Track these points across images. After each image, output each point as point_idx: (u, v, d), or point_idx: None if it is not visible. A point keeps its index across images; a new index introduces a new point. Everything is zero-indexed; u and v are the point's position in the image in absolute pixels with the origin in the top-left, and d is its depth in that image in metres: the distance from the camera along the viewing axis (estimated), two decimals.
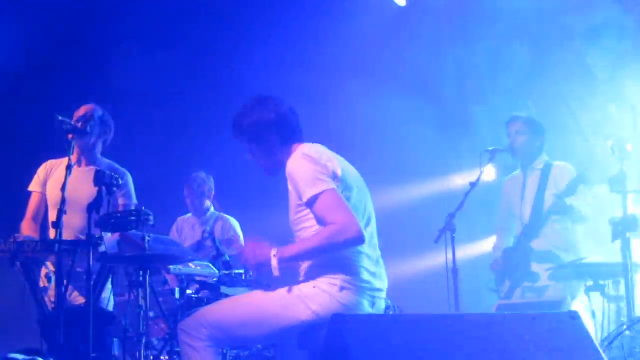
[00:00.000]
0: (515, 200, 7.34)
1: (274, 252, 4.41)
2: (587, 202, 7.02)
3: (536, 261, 7.05)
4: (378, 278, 4.57)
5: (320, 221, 4.41)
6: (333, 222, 4.33)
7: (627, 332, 5.70)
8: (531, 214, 7.13)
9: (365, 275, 4.48)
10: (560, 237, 7.10)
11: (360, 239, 4.35)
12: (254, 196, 8.12)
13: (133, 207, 6.27)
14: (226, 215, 8.55)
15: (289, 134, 4.68)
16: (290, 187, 4.55)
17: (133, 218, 5.02)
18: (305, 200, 4.41)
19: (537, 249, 7.06)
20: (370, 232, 4.61)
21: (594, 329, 6.09)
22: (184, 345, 4.54)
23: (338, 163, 4.58)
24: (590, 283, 6.30)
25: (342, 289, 4.40)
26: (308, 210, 4.47)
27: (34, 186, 6.42)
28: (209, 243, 8.00)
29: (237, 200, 8.94)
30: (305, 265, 4.55)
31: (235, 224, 8.47)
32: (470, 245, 9.51)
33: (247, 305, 4.56)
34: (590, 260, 6.59)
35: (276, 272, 4.44)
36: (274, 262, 4.40)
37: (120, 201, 6.23)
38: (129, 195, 6.32)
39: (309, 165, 4.45)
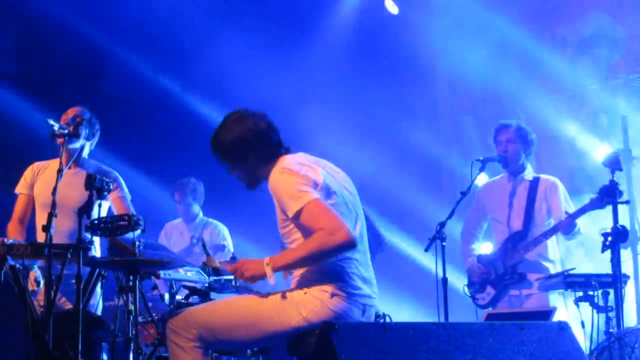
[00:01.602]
0: (499, 207, 7.29)
1: (266, 261, 4.39)
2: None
3: (524, 270, 7.05)
4: (368, 284, 4.55)
5: (308, 232, 4.38)
6: (321, 228, 4.29)
7: (616, 344, 5.71)
8: (523, 223, 7.12)
9: (357, 282, 4.46)
10: (547, 248, 7.10)
11: (351, 242, 4.30)
12: (244, 202, 8.10)
13: (129, 199, 6.30)
14: (215, 222, 8.54)
15: (270, 150, 4.63)
16: (275, 203, 4.52)
17: (123, 223, 5.00)
18: (291, 215, 4.37)
19: (525, 259, 7.06)
20: (360, 236, 4.58)
21: (583, 340, 6.10)
22: (172, 344, 4.51)
23: (320, 170, 4.54)
24: (579, 294, 6.30)
25: (332, 295, 4.39)
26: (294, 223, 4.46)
27: (20, 188, 6.40)
28: (197, 249, 8.00)
29: (227, 206, 8.93)
30: (297, 272, 4.54)
31: (224, 230, 8.47)
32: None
33: (237, 308, 4.54)
34: (579, 271, 6.59)
35: (272, 281, 4.43)
36: (268, 271, 4.38)
37: (117, 193, 6.23)
38: (121, 187, 6.33)
39: (289, 178, 4.42)
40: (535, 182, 7.18)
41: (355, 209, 4.65)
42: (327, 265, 4.41)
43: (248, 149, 4.60)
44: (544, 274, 6.95)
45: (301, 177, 4.42)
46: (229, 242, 8.25)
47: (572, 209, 6.95)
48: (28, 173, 6.41)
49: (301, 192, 4.36)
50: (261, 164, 4.62)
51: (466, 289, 7.33)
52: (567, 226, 6.84)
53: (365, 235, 4.68)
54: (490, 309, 7.07)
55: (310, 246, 4.33)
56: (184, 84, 9.77)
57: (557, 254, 7.19)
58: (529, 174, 7.26)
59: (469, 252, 7.44)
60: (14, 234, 6.15)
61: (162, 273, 5.60)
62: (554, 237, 7.08)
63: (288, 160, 4.57)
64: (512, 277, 7.04)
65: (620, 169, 6.27)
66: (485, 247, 7.59)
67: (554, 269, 7.03)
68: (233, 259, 6.87)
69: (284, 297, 4.46)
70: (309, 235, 4.37)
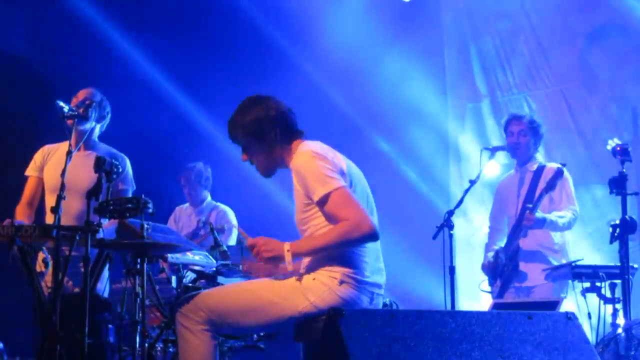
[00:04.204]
0: (511, 200, 7.32)
1: (287, 247, 4.40)
2: (567, 210, 7.00)
3: (524, 260, 7.05)
4: (378, 273, 4.56)
5: (331, 219, 4.38)
6: (346, 218, 4.31)
7: (623, 335, 5.72)
8: (520, 212, 7.12)
9: (366, 270, 4.46)
10: (548, 237, 7.09)
11: (374, 235, 4.35)
12: (253, 186, 8.10)
13: (131, 192, 6.29)
14: (222, 205, 8.54)
15: (287, 132, 4.64)
16: (297, 186, 4.51)
17: (132, 205, 4.99)
18: (316, 199, 4.37)
19: (525, 249, 7.05)
20: None
21: (590, 331, 6.10)
22: (181, 327, 4.52)
23: (340, 158, 4.56)
24: (586, 285, 6.31)
25: (341, 282, 4.39)
26: (316, 208, 4.45)
27: (30, 170, 6.39)
28: (202, 232, 8.01)
29: (236, 190, 8.94)
30: (306, 258, 4.54)
31: (229, 213, 8.46)
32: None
33: (246, 292, 4.55)
34: (587, 262, 6.59)
35: (290, 267, 4.44)
36: (288, 257, 4.39)
37: (119, 186, 6.22)
38: (127, 179, 6.31)
39: (318, 162, 4.41)
40: (539, 171, 7.17)
41: (369, 201, 4.67)
42: (337, 253, 4.41)
43: (266, 130, 4.59)
44: (544, 263, 6.95)
45: (329, 162, 4.43)
46: (234, 225, 8.22)
47: (567, 209, 6.95)
48: (38, 156, 6.40)
49: (329, 177, 4.37)
50: (278, 146, 4.61)
51: (482, 285, 7.34)
52: (528, 221, 6.80)
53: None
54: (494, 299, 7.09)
55: (335, 235, 4.34)
56: (197, 66, 9.73)
57: (560, 243, 7.16)
58: (534, 164, 7.25)
59: (488, 247, 7.48)
60: (21, 216, 6.14)
61: (169, 256, 5.60)
62: None
63: (314, 145, 4.57)
64: (508, 267, 7.05)
65: (630, 160, 6.27)
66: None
67: (555, 257, 7.02)
68: (239, 243, 6.88)
69: (292, 282, 4.47)
70: (331, 221, 4.39)
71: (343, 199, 4.34)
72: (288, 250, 4.39)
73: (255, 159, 4.70)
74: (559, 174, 6.79)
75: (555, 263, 6.93)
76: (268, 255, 4.44)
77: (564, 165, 6.86)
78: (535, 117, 7.39)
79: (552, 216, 6.91)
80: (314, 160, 4.42)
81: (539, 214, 6.81)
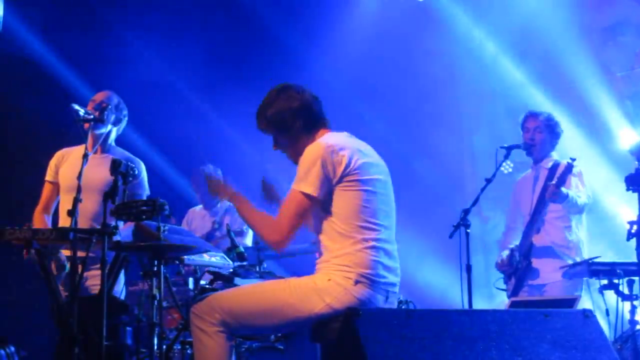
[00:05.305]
0: (526, 198, 7.30)
1: (233, 200, 4.74)
2: (583, 193, 6.99)
3: (536, 257, 7.03)
4: (393, 273, 4.55)
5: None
6: (279, 218, 4.52)
7: None
8: (534, 209, 7.10)
9: (381, 270, 4.46)
10: (562, 234, 7.06)
11: (276, 248, 4.62)
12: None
13: (145, 197, 6.29)
14: None
15: (313, 120, 4.69)
16: None
17: (148, 208, 5.01)
18: (293, 185, 4.51)
19: (538, 246, 7.04)
20: (389, 226, 4.60)
21: (608, 328, 6.08)
22: (196, 329, 4.53)
23: (357, 155, 4.53)
24: (604, 282, 6.28)
25: (356, 282, 4.39)
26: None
27: (47, 175, 6.40)
28: (219, 234, 8.02)
29: (252, 193, 8.94)
30: (321, 258, 4.55)
31: None
32: None
33: (261, 294, 4.55)
34: (603, 260, 6.56)
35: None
36: (230, 201, 4.79)
37: (134, 190, 6.22)
38: (141, 185, 6.32)
39: (316, 160, 4.46)
40: (554, 168, 7.14)
41: (389, 199, 4.67)
42: (352, 253, 4.42)
43: (290, 121, 4.65)
44: (557, 260, 6.92)
45: (321, 166, 4.45)
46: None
47: (583, 192, 6.94)
48: (54, 160, 6.40)
49: (307, 178, 4.46)
50: (304, 136, 4.66)
51: (497, 284, 7.33)
52: (553, 195, 6.79)
53: (394, 225, 4.68)
54: (512, 297, 7.07)
55: (258, 222, 4.64)
56: (210, 69, 9.74)
57: (574, 241, 7.13)
58: (549, 161, 7.22)
59: (503, 244, 7.46)
60: (39, 223, 6.13)
61: (186, 258, 5.61)
62: (572, 222, 7.05)
63: (333, 139, 4.60)
64: (522, 265, 7.05)
65: None
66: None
67: (569, 255, 6.99)
68: (257, 244, 6.89)
69: (307, 283, 4.46)
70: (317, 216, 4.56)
71: (292, 202, 4.50)
72: (232, 197, 4.75)
73: (284, 148, 4.78)
74: (568, 169, 6.79)
75: (569, 261, 6.90)
76: (216, 194, 4.92)
77: (573, 160, 6.84)
78: (552, 115, 7.35)
79: (573, 193, 6.89)
80: (314, 156, 4.48)
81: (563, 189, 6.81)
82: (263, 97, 4.77)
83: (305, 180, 4.46)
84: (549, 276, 6.96)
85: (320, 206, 4.51)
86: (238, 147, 9.17)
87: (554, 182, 6.79)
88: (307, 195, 4.44)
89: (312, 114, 4.70)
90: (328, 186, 4.47)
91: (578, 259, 6.89)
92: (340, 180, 4.47)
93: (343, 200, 4.48)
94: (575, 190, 6.96)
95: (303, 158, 4.52)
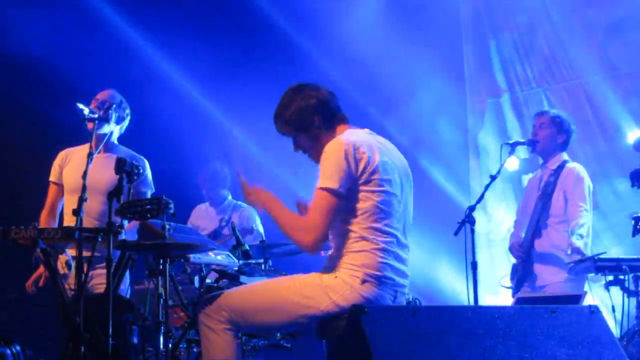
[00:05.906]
0: (532, 198, 7.29)
1: (267, 204, 4.61)
2: (578, 210, 6.96)
3: (537, 262, 7.03)
4: (401, 275, 4.53)
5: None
6: (309, 218, 4.44)
7: None
8: (531, 215, 7.11)
9: (389, 272, 4.44)
10: (563, 239, 7.02)
11: (309, 250, 4.48)
12: (276, 187, 8.10)
13: (150, 195, 6.29)
14: (244, 204, 8.54)
15: (331, 116, 4.67)
16: None
17: (153, 206, 5.00)
18: (317, 185, 4.43)
19: (539, 250, 7.04)
20: (403, 229, 4.58)
21: (614, 324, 6.07)
22: (203, 327, 4.55)
23: (377, 155, 4.50)
24: (610, 278, 6.28)
25: (363, 281, 4.37)
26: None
27: (51, 176, 6.42)
28: (225, 231, 8.02)
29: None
30: (329, 255, 4.55)
31: (254, 213, 8.47)
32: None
33: (268, 291, 4.56)
34: (609, 255, 6.55)
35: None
36: (264, 207, 4.63)
37: (139, 188, 6.22)
38: (146, 182, 6.32)
39: (337, 156, 4.42)
40: (558, 170, 7.12)
41: (407, 199, 4.66)
42: (361, 253, 4.41)
43: (309, 120, 4.64)
44: (557, 266, 6.90)
45: (343, 161, 4.41)
46: (259, 226, 8.25)
47: (584, 201, 6.92)
48: (57, 160, 6.41)
49: (333, 174, 4.39)
50: (323, 134, 4.64)
51: (502, 281, 7.33)
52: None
53: (409, 226, 4.66)
54: (518, 293, 7.07)
55: (289, 223, 4.51)
56: (216, 68, 9.74)
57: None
58: (555, 162, 7.19)
59: (513, 235, 7.47)
60: (45, 224, 6.14)
61: (191, 256, 5.61)
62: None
63: (354, 135, 4.58)
64: (521, 263, 7.06)
65: None
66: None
67: (571, 259, 6.96)
68: (262, 242, 6.90)
69: (313, 280, 4.46)
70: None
71: (319, 202, 4.42)
72: (265, 203, 4.61)
73: (305, 149, 4.75)
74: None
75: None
76: (254, 203, 4.73)
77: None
78: (562, 114, 7.32)
79: (579, 243, 6.83)
80: (336, 153, 4.43)
81: (574, 239, 6.79)
82: (278, 100, 4.74)
83: (328, 176, 4.40)
84: (548, 278, 6.96)
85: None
86: (245, 146, 9.16)
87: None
88: (332, 191, 4.38)
89: (330, 110, 4.68)
90: (350, 182, 4.42)
91: None
92: (359, 177, 4.43)
93: (359, 199, 4.44)
94: (571, 201, 6.96)
95: (324, 155, 4.47)
